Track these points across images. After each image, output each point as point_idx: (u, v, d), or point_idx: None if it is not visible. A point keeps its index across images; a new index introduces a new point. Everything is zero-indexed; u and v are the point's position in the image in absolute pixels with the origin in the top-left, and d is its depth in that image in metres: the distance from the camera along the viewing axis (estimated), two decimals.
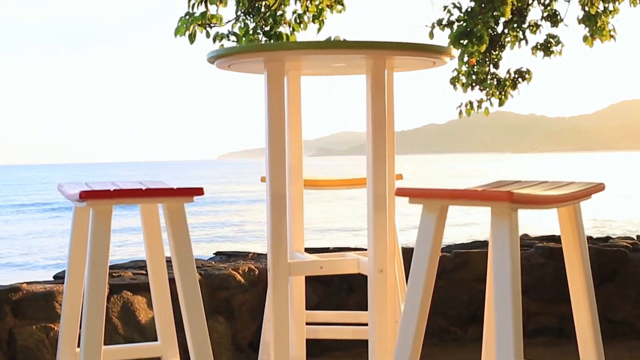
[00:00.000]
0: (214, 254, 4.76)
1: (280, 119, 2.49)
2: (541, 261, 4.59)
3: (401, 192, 2.14)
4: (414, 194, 2.11)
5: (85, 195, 2.16)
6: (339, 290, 4.35)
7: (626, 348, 4.43)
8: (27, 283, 3.22)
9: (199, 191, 2.27)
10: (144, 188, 2.22)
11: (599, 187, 2.35)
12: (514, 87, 8.85)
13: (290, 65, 2.61)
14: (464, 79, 8.64)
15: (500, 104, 8.88)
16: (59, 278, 3.68)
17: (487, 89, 8.61)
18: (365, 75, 2.52)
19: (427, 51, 2.34)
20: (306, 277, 3.86)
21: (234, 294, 3.89)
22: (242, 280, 3.93)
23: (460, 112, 8.70)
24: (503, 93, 8.83)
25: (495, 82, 8.74)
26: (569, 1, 8.10)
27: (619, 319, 4.61)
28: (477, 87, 8.52)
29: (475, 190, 2.01)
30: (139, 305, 3.39)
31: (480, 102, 8.73)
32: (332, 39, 2.61)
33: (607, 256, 4.61)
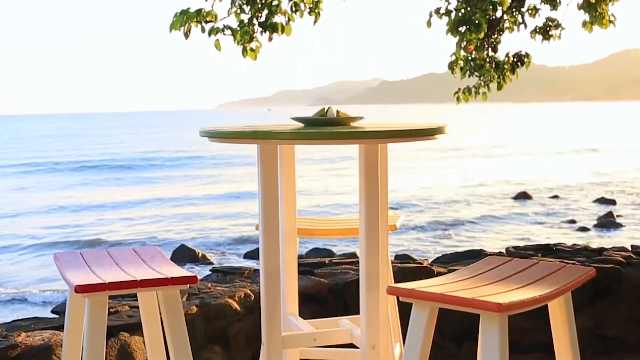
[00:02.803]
0: (210, 270, 4.80)
1: (273, 194, 2.50)
2: None
3: (392, 291, 2.16)
4: (405, 294, 2.14)
5: (81, 290, 2.18)
6: (334, 310, 4.39)
7: None
8: (25, 331, 3.25)
9: (192, 279, 2.30)
10: (138, 279, 2.25)
11: (589, 275, 2.37)
12: (513, 71, 8.81)
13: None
14: (462, 63, 8.60)
15: (499, 88, 8.86)
16: (57, 314, 3.71)
17: (485, 75, 8.56)
18: (358, 149, 2.53)
19: (420, 135, 2.34)
20: (301, 297, 3.90)
21: (230, 322, 3.93)
22: (239, 307, 3.97)
23: (458, 98, 8.66)
24: (502, 77, 8.79)
25: (494, 66, 8.70)
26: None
27: (612, 335, 4.66)
28: (475, 73, 8.47)
29: (465, 298, 2.03)
30: (136, 347, 3.43)
31: (478, 87, 8.70)
32: (325, 110, 2.59)
33: (601, 274, 4.63)
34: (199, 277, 4.76)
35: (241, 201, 26.18)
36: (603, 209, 23.17)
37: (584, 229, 19.86)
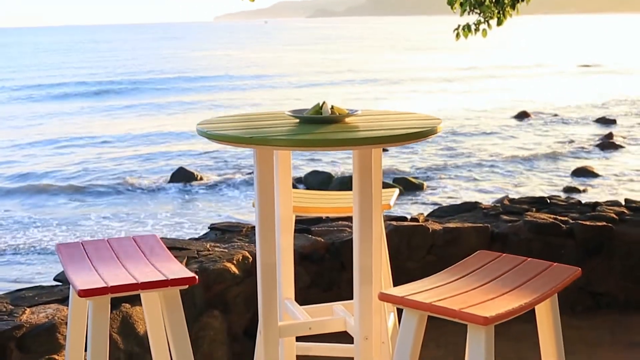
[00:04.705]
0: (208, 228, 4.88)
1: (270, 193, 2.57)
2: (529, 236, 4.69)
3: (384, 298, 2.25)
4: (396, 301, 2.22)
5: (85, 294, 2.26)
6: (330, 270, 4.49)
7: (609, 320, 4.61)
8: (30, 307, 3.34)
9: (192, 280, 2.37)
10: (139, 282, 2.33)
11: (574, 276, 2.44)
12: (513, 7, 8.73)
13: None
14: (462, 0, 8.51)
15: (499, 23, 8.78)
16: (60, 282, 3.80)
17: (485, 12, 8.49)
18: (352, 153, 2.59)
19: (414, 138, 2.39)
20: (298, 258, 3.99)
21: (228, 286, 4.02)
22: (237, 271, 4.05)
23: (458, 35, 8.61)
24: (502, 13, 8.72)
25: (494, 1, 8.61)
26: None
27: (603, 292, 4.76)
28: (476, 10, 8.40)
29: (452, 310, 2.11)
30: (137, 317, 3.53)
31: (478, 24, 8.63)
32: (320, 105, 2.63)
33: (593, 231, 4.71)
34: (199, 236, 4.84)
35: None
36: (604, 130, 23.10)
37: (583, 150, 19.85)
